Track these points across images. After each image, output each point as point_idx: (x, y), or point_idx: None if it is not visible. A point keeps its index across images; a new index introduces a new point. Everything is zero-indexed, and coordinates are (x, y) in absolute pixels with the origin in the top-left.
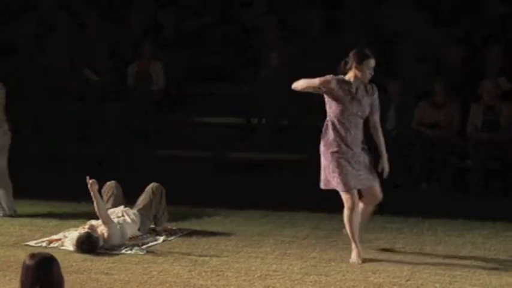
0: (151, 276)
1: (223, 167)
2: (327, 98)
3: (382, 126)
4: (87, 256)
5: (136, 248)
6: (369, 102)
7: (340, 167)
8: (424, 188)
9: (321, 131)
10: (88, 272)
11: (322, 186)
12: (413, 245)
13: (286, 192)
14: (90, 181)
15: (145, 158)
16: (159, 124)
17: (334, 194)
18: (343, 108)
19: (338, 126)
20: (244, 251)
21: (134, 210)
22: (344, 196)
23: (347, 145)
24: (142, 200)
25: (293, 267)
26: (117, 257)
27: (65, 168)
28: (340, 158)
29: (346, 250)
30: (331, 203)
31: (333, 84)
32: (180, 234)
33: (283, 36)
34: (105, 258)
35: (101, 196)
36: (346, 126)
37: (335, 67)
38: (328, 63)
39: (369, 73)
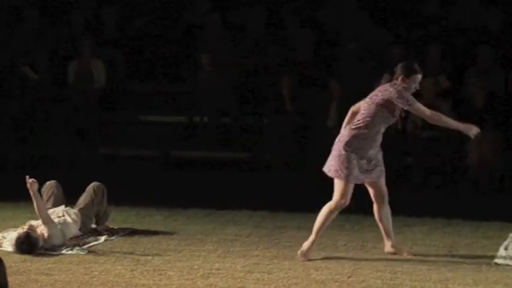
0: (92, 276)
1: (166, 165)
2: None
3: (324, 124)
4: (26, 257)
5: (77, 248)
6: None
7: (353, 162)
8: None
9: (262, 130)
10: (28, 273)
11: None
12: (355, 242)
13: (229, 190)
14: (30, 180)
15: (86, 157)
16: (101, 123)
17: (277, 192)
18: (390, 117)
19: (376, 130)
20: (186, 249)
21: (75, 210)
22: (342, 186)
23: (372, 148)
24: (83, 199)
25: (236, 266)
26: (57, 258)
27: (4, 168)
28: (357, 155)
29: (289, 248)
30: (273, 201)
31: None
32: (122, 233)
33: (226, 34)
34: (45, 258)
35: (41, 196)
36: (381, 132)
37: (277, 65)
38: (270, 61)
39: (414, 87)
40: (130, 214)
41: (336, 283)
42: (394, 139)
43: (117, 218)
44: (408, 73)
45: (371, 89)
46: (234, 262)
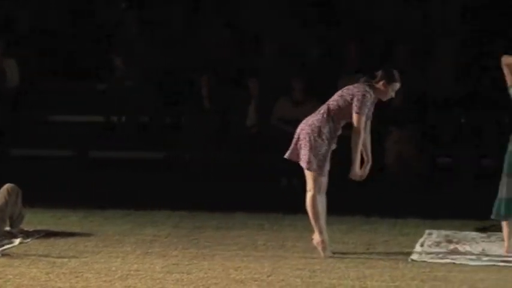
0: (6, 280)
1: (83, 166)
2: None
3: (243, 123)
4: None
5: None
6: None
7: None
8: (284, 184)
9: (180, 129)
10: None
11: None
12: (275, 241)
13: (148, 190)
14: None
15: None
16: (15, 122)
17: (196, 192)
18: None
19: (337, 126)
20: (104, 251)
21: None
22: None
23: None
24: None
25: (154, 266)
26: None
27: None
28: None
29: (208, 248)
30: (192, 201)
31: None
32: (37, 236)
33: (143, 32)
34: None
35: None
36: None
37: (196, 64)
38: (189, 60)
39: (390, 95)
40: (46, 216)
41: (256, 282)
42: None
43: (32, 219)
44: (389, 80)
45: (289, 88)
46: (152, 263)
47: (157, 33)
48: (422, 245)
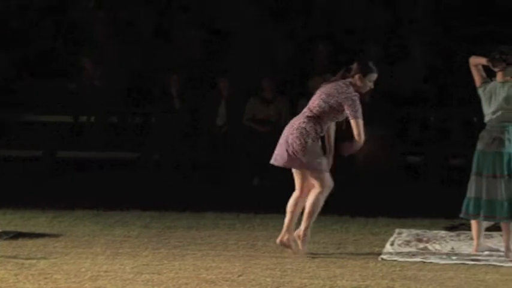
0: None
1: (52, 166)
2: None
3: (214, 123)
4: None
5: None
6: None
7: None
8: (256, 183)
9: (150, 129)
10: None
11: (282, 164)
12: (246, 240)
13: (118, 191)
14: None
15: None
16: None
17: (166, 192)
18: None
19: (326, 125)
20: (73, 252)
21: None
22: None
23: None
24: None
25: (125, 267)
26: None
27: None
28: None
29: (178, 248)
30: (162, 201)
31: None
32: (5, 237)
33: (112, 32)
34: None
35: None
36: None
37: (165, 64)
38: (159, 59)
39: (369, 86)
40: (15, 216)
41: (227, 282)
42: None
43: (1, 220)
44: (365, 72)
45: (260, 87)
46: (122, 264)
47: (126, 33)
48: (392, 244)
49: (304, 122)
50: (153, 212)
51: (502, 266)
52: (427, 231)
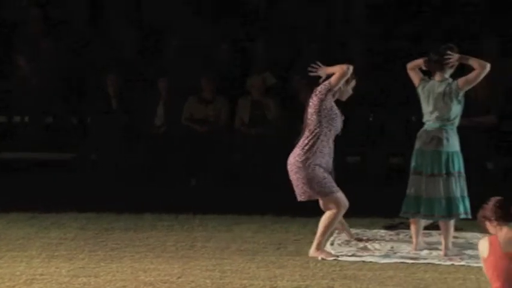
0: None
1: None
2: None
3: (152, 123)
4: None
5: None
6: None
7: (324, 174)
8: (194, 184)
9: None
10: None
11: (304, 198)
12: (185, 241)
13: (53, 192)
14: None
15: None
16: None
17: (103, 193)
18: (336, 121)
19: (326, 138)
20: (8, 255)
21: None
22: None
23: (330, 155)
24: None
25: (61, 270)
26: None
27: None
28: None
29: (116, 250)
30: (99, 202)
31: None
32: None
33: (47, 30)
34: None
35: None
36: (330, 139)
37: (102, 63)
38: (95, 59)
39: (350, 93)
40: None
41: (165, 284)
42: (222, 136)
43: None
44: (347, 79)
45: (199, 86)
46: (58, 267)
47: (61, 31)
48: (332, 244)
49: (300, 146)
50: (89, 213)
51: (440, 264)
52: (367, 230)
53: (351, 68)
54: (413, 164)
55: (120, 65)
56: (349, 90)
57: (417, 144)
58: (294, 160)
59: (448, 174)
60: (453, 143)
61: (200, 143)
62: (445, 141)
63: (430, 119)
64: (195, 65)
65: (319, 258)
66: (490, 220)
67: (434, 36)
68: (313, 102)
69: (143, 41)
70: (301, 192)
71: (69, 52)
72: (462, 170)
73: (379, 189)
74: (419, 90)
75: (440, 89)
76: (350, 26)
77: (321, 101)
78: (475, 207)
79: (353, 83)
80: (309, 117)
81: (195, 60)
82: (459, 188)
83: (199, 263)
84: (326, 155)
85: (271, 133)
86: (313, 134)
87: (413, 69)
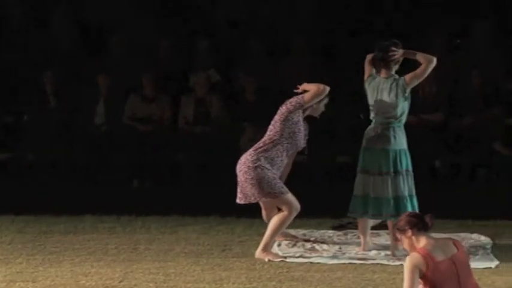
0: None
1: None
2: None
3: (92, 122)
4: None
5: None
6: None
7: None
8: (136, 185)
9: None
10: None
11: (245, 201)
12: (127, 244)
13: None
14: None
15: None
16: None
17: (41, 194)
18: (298, 138)
19: (282, 149)
20: None
21: None
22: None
23: (278, 169)
24: None
25: None
26: None
27: None
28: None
29: (55, 254)
30: (38, 204)
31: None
32: None
33: None
34: None
35: None
36: (286, 152)
37: (39, 59)
38: (31, 55)
39: (323, 110)
40: None
41: None
42: (165, 135)
43: None
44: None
45: (141, 84)
46: None
47: None
48: (279, 245)
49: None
50: (27, 216)
51: (389, 264)
52: (314, 231)
53: (327, 89)
54: (360, 162)
55: (58, 61)
56: (321, 107)
57: (364, 143)
58: (244, 160)
59: (396, 172)
60: (400, 141)
61: (142, 142)
62: (392, 139)
63: (377, 116)
64: (136, 61)
65: (266, 259)
66: (405, 231)
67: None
68: (281, 110)
69: (83, 37)
70: (246, 195)
71: (4, 48)
72: (410, 168)
73: (326, 189)
74: (366, 85)
75: (387, 85)
76: (295, 21)
77: (289, 112)
78: (424, 206)
79: (326, 100)
80: (272, 123)
81: (137, 56)
82: (407, 186)
83: (142, 266)
84: (275, 166)
85: (216, 131)
86: (272, 140)
87: (369, 63)
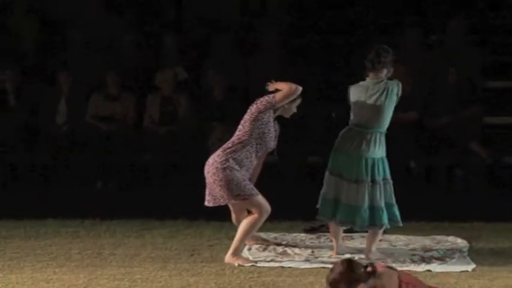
0: None
1: None
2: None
3: (53, 121)
4: None
5: None
6: None
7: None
8: (100, 187)
9: None
10: None
11: (214, 203)
12: (91, 249)
13: None
14: None
15: None
16: None
17: (1, 198)
18: (268, 138)
19: (251, 150)
20: None
21: None
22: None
23: (247, 170)
24: None
25: None
26: None
27: None
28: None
29: (15, 260)
30: None
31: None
32: None
33: None
34: None
35: None
36: (255, 154)
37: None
38: None
39: (294, 111)
40: None
41: None
42: (129, 135)
43: None
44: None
45: (104, 81)
46: None
47: None
48: (250, 249)
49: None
50: None
51: None
52: (286, 234)
53: (300, 89)
54: (333, 163)
55: (18, 59)
56: (293, 108)
57: (339, 144)
58: (212, 161)
59: (374, 181)
60: (380, 149)
61: (106, 142)
62: (371, 147)
63: (359, 121)
64: (99, 58)
65: (236, 264)
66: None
67: (353, 28)
68: (251, 109)
69: (43, 33)
70: (215, 197)
71: None
72: (388, 177)
73: (297, 190)
74: (352, 89)
75: (374, 91)
76: (265, 17)
77: (259, 112)
78: (399, 208)
79: (298, 101)
80: (241, 123)
81: (100, 53)
82: (384, 196)
83: (107, 272)
84: (244, 167)
85: (183, 131)
86: (240, 141)
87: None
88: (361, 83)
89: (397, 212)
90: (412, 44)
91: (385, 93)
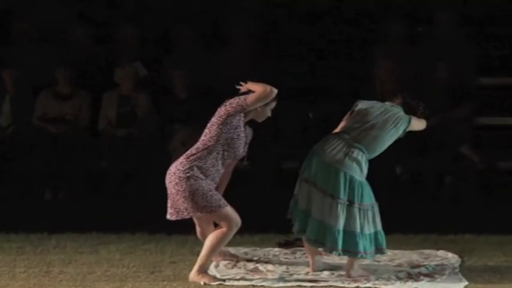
0: None
1: None
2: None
3: None
4: None
5: None
6: None
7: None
8: (49, 197)
9: None
10: None
11: (177, 217)
12: (38, 266)
13: None
14: None
15: None
16: None
17: None
18: (237, 145)
19: (218, 157)
20: None
21: None
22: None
23: (213, 179)
24: None
25: None
26: None
27: None
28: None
29: None
30: None
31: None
32: None
33: None
34: None
35: None
36: (221, 161)
37: None
38: None
39: (268, 115)
40: None
41: None
42: (82, 138)
43: None
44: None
45: (52, 77)
46: None
47: None
48: (217, 266)
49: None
50: None
51: (344, 287)
52: (258, 248)
53: (275, 91)
54: (308, 168)
55: None
56: (267, 112)
57: (320, 149)
58: (175, 169)
59: (351, 202)
60: (359, 169)
61: (56, 146)
62: (350, 163)
63: (350, 132)
64: (48, 53)
65: (202, 283)
66: None
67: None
68: (219, 112)
69: None
70: (178, 209)
71: None
72: (372, 201)
73: (271, 200)
74: (360, 104)
75: (385, 113)
76: (234, 6)
77: (228, 115)
78: (383, 219)
79: (273, 104)
80: (208, 126)
81: (49, 47)
82: (367, 223)
83: None
84: (210, 176)
85: (143, 134)
86: (206, 147)
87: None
88: (379, 103)
89: (383, 239)
90: (395, 35)
91: (396, 121)
